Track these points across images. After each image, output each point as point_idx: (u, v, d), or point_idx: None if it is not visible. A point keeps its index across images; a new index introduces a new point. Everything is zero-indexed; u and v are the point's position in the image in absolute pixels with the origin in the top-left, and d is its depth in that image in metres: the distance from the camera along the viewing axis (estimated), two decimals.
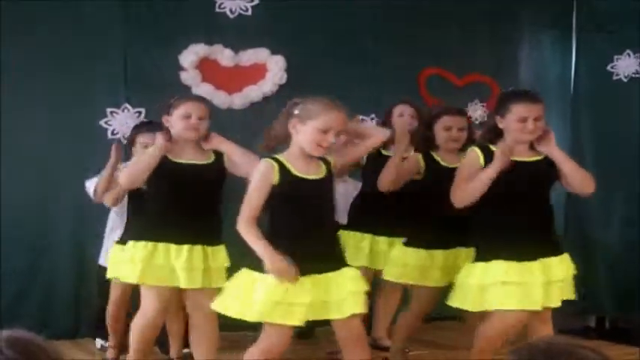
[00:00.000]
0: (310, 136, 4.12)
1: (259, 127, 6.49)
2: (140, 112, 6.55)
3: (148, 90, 6.44)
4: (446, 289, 5.10)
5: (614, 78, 7.40)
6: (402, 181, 5.31)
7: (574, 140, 7.53)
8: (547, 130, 4.62)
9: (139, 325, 4.76)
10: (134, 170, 4.77)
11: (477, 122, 6.81)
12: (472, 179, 4.49)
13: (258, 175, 4.15)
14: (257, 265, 4.09)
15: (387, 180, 5.29)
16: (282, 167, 4.14)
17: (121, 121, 6.50)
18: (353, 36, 7.14)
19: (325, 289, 4.09)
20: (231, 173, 4.87)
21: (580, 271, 4.66)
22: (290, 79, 6.85)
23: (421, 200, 5.29)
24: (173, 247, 4.68)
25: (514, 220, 4.48)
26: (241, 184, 4.59)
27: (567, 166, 4.58)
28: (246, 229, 4.09)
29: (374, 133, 4.77)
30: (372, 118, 6.83)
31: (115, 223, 5.85)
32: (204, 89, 6.70)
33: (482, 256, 4.53)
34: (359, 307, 4.18)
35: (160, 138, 4.75)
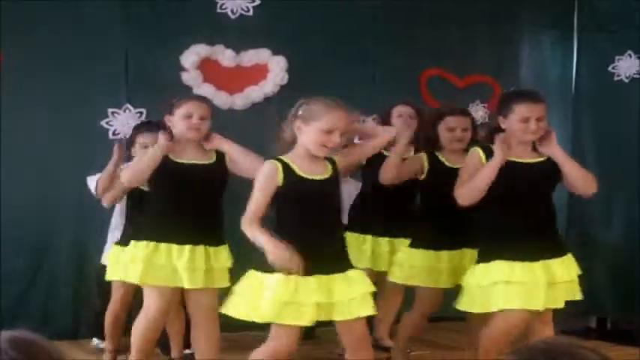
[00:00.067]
0: (314, 137, 4.12)
1: (261, 128, 6.56)
2: (141, 113, 6.55)
3: (149, 90, 6.44)
4: (448, 290, 5.11)
5: (616, 78, 7.40)
6: (403, 178, 5.30)
7: (575, 141, 7.53)
8: (548, 131, 4.62)
9: (141, 325, 4.75)
10: (136, 169, 4.77)
11: (477, 123, 6.79)
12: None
13: (262, 177, 4.15)
14: (261, 265, 4.09)
15: (387, 176, 5.27)
16: (287, 168, 4.14)
17: (122, 121, 6.50)
18: (354, 37, 7.15)
19: (331, 291, 4.08)
20: (233, 174, 4.87)
21: (581, 271, 4.65)
22: (291, 80, 6.85)
23: (425, 201, 5.30)
24: (175, 247, 4.67)
25: (516, 222, 4.48)
26: (243, 184, 4.60)
27: (569, 166, 4.58)
28: (250, 227, 4.09)
29: (380, 133, 4.77)
30: (374, 119, 6.82)
31: (118, 222, 5.86)
32: (205, 90, 6.70)
33: (483, 257, 4.53)
34: (367, 309, 4.18)
35: (162, 137, 4.75)
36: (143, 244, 4.70)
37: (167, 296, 4.74)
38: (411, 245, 5.26)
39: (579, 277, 4.61)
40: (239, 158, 4.77)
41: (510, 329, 4.43)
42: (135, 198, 5.51)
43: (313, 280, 4.04)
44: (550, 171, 4.57)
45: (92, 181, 5.79)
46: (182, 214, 4.71)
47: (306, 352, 5.92)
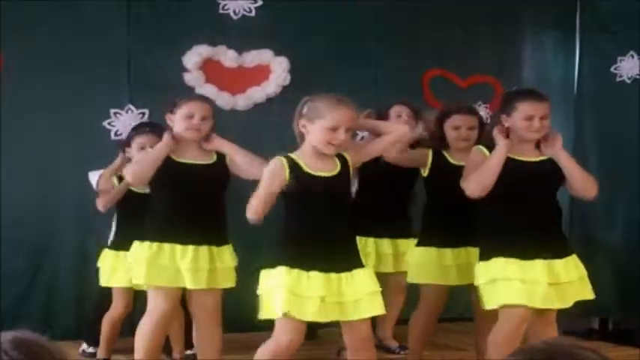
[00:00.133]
0: (320, 135, 4.12)
1: (263, 129, 6.58)
2: (144, 113, 6.56)
3: (151, 91, 6.45)
4: (456, 289, 5.11)
5: (618, 79, 7.41)
6: (403, 163, 5.26)
7: (577, 141, 7.53)
8: (554, 133, 4.61)
9: (147, 327, 4.71)
10: (141, 167, 4.72)
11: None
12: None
13: (268, 173, 4.17)
14: (268, 263, 4.10)
15: (392, 155, 5.13)
16: (294, 164, 4.14)
17: (124, 122, 6.50)
18: (356, 37, 7.15)
19: (340, 290, 4.08)
20: (233, 174, 4.86)
21: (585, 270, 4.64)
22: (293, 81, 6.85)
23: (430, 199, 5.28)
24: (178, 247, 4.66)
25: (519, 220, 4.46)
26: (245, 184, 4.61)
27: (572, 170, 4.56)
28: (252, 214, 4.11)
29: (393, 129, 4.70)
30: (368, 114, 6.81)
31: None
32: (207, 90, 6.69)
33: (484, 256, 4.52)
34: (376, 308, 4.18)
35: (167, 136, 4.73)
36: (146, 245, 4.68)
37: (173, 297, 4.73)
38: (417, 244, 5.25)
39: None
40: (239, 159, 4.75)
41: (514, 330, 4.40)
42: (124, 203, 5.58)
43: (320, 276, 4.03)
44: (553, 170, 4.55)
45: (94, 176, 5.80)
46: (185, 214, 4.70)
47: (306, 352, 5.92)
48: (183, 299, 4.88)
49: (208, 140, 4.81)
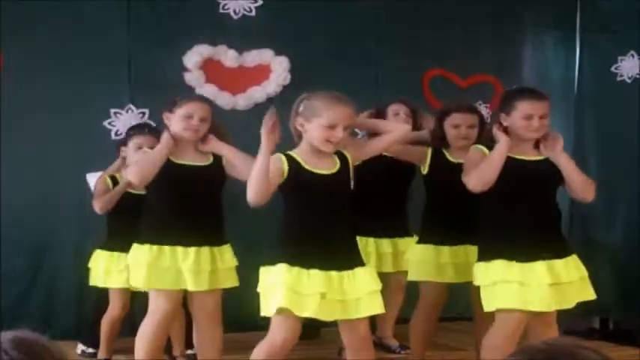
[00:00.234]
0: (318, 133, 4.11)
1: None
2: (144, 113, 6.56)
3: (151, 91, 6.45)
4: (455, 288, 5.10)
5: (618, 79, 7.40)
6: (401, 156, 5.24)
7: (578, 141, 7.53)
8: (555, 135, 4.60)
9: (148, 328, 4.68)
10: (144, 167, 4.65)
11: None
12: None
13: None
14: (267, 260, 4.10)
15: (393, 147, 5.12)
16: (293, 161, 4.13)
17: (124, 121, 6.50)
18: (356, 37, 7.15)
19: (341, 288, 4.07)
20: (230, 177, 4.85)
21: (585, 271, 4.64)
22: (294, 80, 6.86)
23: (429, 197, 5.27)
24: (179, 249, 4.64)
25: (518, 220, 4.44)
26: (243, 187, 4.62)
27: (572, 173, 4.54)
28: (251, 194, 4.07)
29: (393, 128, 4.66)
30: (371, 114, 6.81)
31: None
32: (208, 90, 6.70)
33: (484, 256, 4.51)
34: (376, 307, 4.18)
35: (167, 136, 4.71)
36: (146, 247, 4.64)
37: (174, 299, 4.71)
38: (417, 242, 5.25)
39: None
40: (237, 162, 4.71)
41: (510, 334, 4.38)
42: (116, 203, 5.62)
43: (320, 274, 4.02)
44: (553, 170, 4.54)
45: (92, 178, 5.81)
46: (184, 215, 4.68)
47: (307, 351, 5.92)
48: (184, 299, 4.88)
49: (205, 141, 4.79)
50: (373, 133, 4.82)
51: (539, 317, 4.44)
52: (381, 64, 7.18)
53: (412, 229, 5.75)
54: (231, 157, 4.74)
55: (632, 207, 7.30)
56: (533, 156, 4.55)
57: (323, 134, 4.11)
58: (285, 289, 3.99)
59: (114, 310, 5.68)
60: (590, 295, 4.53)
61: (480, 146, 4.60)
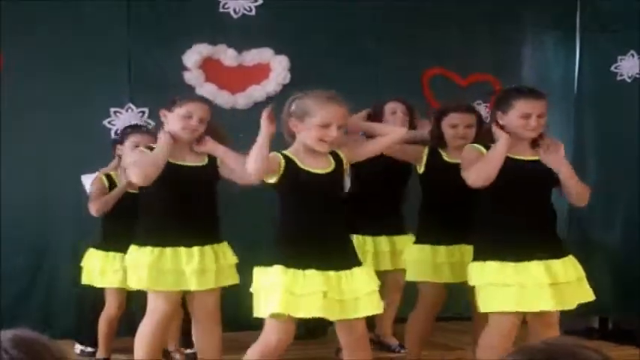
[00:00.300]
0: (311, 133, 4.10)
1: None
2: (143, 112, 6.56)
3: (151, 90, 6.44)
4: (453, 288, 5.10)
5: (618, 78, 7.39)
6: (397, 155, 5.22)
7: (577, 141, 7.53)
8: (556, 143, 4.59)
9: (147, 329, 4.69)
10: (147, 167, 4.60)
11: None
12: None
13: None
14: (262, 261, 4.09)
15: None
16: (289, 160, 4.12)
17: (124, 121, 6.49)
18: (356, 36, 7.15)
19: (340, 288, 4.06)
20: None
21: (583, 272, 4.64)
22: (293, 79, 6.85)
23: (425, 196, 5.28)
24: (183, 250, 4.64)
25: (513, 219, 4.43)
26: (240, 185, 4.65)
27: (571, 182, 4.53)
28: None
29: (389, 131, 4.64)
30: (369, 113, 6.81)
31: None
32: (207, 89, 6.71)
33: (479, 255, 4.49)
34: (374, 307, 4.18)
35: (167, 135, 4.69)
36: (147, 250, 4.64)
37: (173, 299, 4.72)
38: (415, 242, 5.25)
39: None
40: (233, 164, 4.69)
41: (505, 335, 4.37)
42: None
43: (317, 274, 4.01)
44: (549, 170, 4.53)
45: (88, 179, 5.82)
46: (185, 216, 4.68)
47: (305, 351, 5.92)
48: (182, 299, 4.88)
49: (201, 143, 4.78)
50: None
51: (541, 318, 4.43)
52: (381, 63, 7.17)
53: (409, 228, 5.76)
54: (227, 159, 4.73)
55: (631, 207, 7.29)
56: (529, 155, 4.54)
57: (317, 134, 4.09)
58: (281, 293, 3.98)
59: (110, 309, 5.69)
60: (589, 296, 4.53)
61: (477, 145, 4.58)
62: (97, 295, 5.84)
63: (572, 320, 5.95)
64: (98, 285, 5.70)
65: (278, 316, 4.02)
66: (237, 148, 4.74)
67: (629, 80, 7.38)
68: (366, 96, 6.58)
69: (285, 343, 4.12)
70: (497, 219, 4.48)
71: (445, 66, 7.39)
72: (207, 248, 4.70)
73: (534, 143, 4.56)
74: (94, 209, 5.67)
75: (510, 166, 4.42)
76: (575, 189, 4.55)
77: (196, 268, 4.63)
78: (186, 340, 5.64)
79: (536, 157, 4.54)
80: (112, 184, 5.71)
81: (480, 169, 4.42)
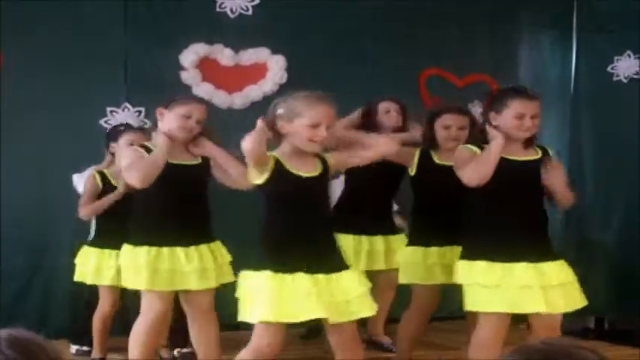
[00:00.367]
0: (301, 134, 4.06)
1: None
2: (140, 112, 6.57)
3: (148, 89, 6.44)
4: (446, 288, 5.10)
5: (614, 79, 7.40)
6: (390, 155, 5.21)
7: (574, 141, 7.53)
8: (557, 165, 4.61)
9: (142, 328, 4.68)
10: (147, 168, 4.54)
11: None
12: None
13: None
14: (250, 264, 4.09)
15: None
16: (277, 160, 4.08)
17: (121, 120, 6.50)
18: (353, 36, 7.15)
19: (330, 291, 4.03)
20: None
21: (579, 272, 4.64)
22: (290, 79, 6.86)
23: (416, 198, 5.28)
24: (180, 250, 4.65)
25: (504, 220, 4.42)
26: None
27: (564, 194, 4.60)
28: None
29: (375, 144, 4.46)
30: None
31: None
32: (204, 89, 6.71)
33: (467, 254, 4.48)
34: (367, 310, 4.16)
35: (165, 136, 4.68)
36: (144, 249, 4.63)
37: (168, 299, 4.72)
38: (407, 244, 5.25)
39: (577, 279, 4.56)
40: (230, 169, 4.68)
41: (495, 331, 4.37)
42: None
43: (306, 277, 3.98)
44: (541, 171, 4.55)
45: (80, 179, 5.83)
46: (181, 215, 4.67)
47: (304, 351, 5.92)
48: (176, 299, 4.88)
49: (199, 145, 4.78)
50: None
51: (542, 321, 4.40)
52: (378, 63, 7.17)
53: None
54: (224, 161, 4.71)
55: (628, 207, 7.30)
56: (522, 156, 4.53)
57: (307, 134, 4.06)
58: (270, 300, 3.95)
59: (104, 307, 5.69)
60: (580, 302, 4.49)
61: (469, 145, 4.58)
62: (91, 293, 5.84)
63: (568, 320, 5.95)
64: (89, 282, 5.70)
65: (267, 321, 4.00)
66: (232, 147, 4.73)
67: (625, 81, 7.38)
68: (363, 96, 6.59)
69: (278, 347, 4.07)
70: (488, 219, 4.47)
71: (442, 66, 7.39)
72: (204, 247, 4.71)
73: (527, 144, 4.56)
74: (83, 213, 5.69)
75: (503, 166, 4.41)
76: (564, 199, 4.64)
77: (196, 267, 4.63)
78: (175, 339, 5.66)
79: (528, 158, 4.54)
80: (106, 183, 5.70)
81: (475, 168, 4.41)
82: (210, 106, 6.17)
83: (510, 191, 4.45)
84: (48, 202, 6.55)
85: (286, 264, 4.00)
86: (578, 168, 7.43)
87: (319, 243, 4.12)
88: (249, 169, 4.15)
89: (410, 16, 7.25)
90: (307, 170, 4.13)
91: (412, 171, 5.21)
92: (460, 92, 7.30)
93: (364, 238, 5.77)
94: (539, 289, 4.34)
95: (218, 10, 6.86)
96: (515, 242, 4.36)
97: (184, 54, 6.75)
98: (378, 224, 5.82)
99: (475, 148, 4.50)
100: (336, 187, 6.01)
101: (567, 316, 4.54)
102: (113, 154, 5.70)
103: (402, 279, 5.23)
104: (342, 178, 5.92)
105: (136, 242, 4.68)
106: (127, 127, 5.80)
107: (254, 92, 6.91)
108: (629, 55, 7.36)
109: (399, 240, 5.63)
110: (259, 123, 4.06)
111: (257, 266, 4.04)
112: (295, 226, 4.09)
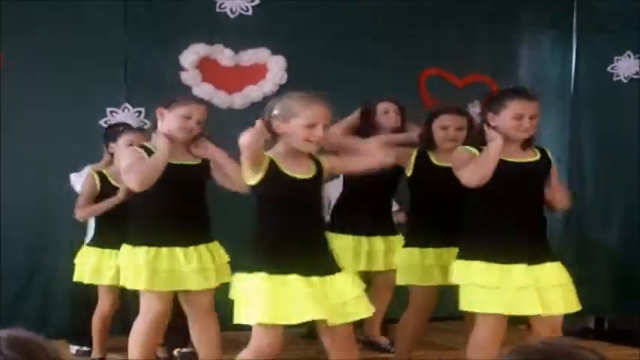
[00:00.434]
0: (297, 134, 4.04)
1: None
2: (140, 112, 6.57)
3: (148, 90, 6.44)
4: (442, 290, 5.10)
5: (614, 79, 7.39)
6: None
7: (574, 141, 7.53)
8: (559, 186, 4.65)
9: (141, 328, 4.68)
10: (147, 171, 4.52)
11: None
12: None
13: None
14: (245, 266, 4.09)
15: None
16: (272, 161, 4.06)
17: (120, 120, 6.49)
18: (353, 36, 7.15)
19: (324, 293, 4.02)
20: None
21: (579, 271, 4.64)
22: (290, 79, 6.86)
23: (413, 199, 5.27)
24: (180, 250, 4.65)
25: (502, 221, 4.41)
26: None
27: (561, 201, 4.64)
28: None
29: (369, 153, 4.42)
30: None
31: None
32: (204, 89, 6.72)
33: (464, 254, 4.48)
34: (364, 311, 4.16)
35: (166, 139, 4.67)
36: (143, 250, 4.63)
37: (167, 299, 4.71)
38: (403, 245, 5.24)
39: (577, 279, 4.57)
40: (231, 172, 4.63)
41: (493, 332, 4.37)
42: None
43: (300, 279, 3.97)
44: (540, 172, 4.53)
45: (77, 178, 5.83)
46: (180, 215, 4.67)
47: (305, 351, 5.92)
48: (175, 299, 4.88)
49: (199, 146, 4.78)
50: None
51: (542, 323, 4.40)
52: (378, 63, 7.17)
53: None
54: (225, 164, 4.69)
55: (628, 206, 7.30)
56: (521, 158, 4.52)
57: (303, 134, 4.05)
58: (266, 302, 3.95)
59: (103, 306, 5.70)
60: (575, 305, 4.49)
61: (468, 147, 4.57)
62: (90, 293, 5.84)
63: (568, 320, 5.95)
64: (87, 282, 5.69)
65: (264, 323, 4.00)
66: (233, 146, 4.73)
67: (625, 81, 7.38)
68: (363, 96, 6.59)
69: (278, 347, 4.06)
70: (486, 220, 4.47)
71: (442, 66, 7.40)
72: (202, 247, 4.71)
73: (526, 145, 4.55)
74: (79, 214, 5.70)
75: (502, 167, 4.39)
76: (561, 205, 4.68)
77: (196, 267, 4.64)
78: (173, 338, 5.66)
79: (527, 160, 4.53)
80: (104, 183, 5.70)
81: (474, 169, 4.40)
82: (210, 106, 6.17)
83: (509, 193, 4.44)
84: (48, 202, 6.55)
85: (281, 266, 3.98)
86: (578, 168, 7.44)
87: (313, 245, 4.11)
88: (243, 169, 4.12)
89: (410, 16, 7.25)
90: (302, 172, 4.12)
91: (409, 172, 5.18)
92: (460, 92, 7.30)
93: (363, 239, 5.78)
94: (535, 290, 4.34)
95: (218, 10, 6.86)
96: (513, 244, 4.36)
97: (184, 54, 6.75)
98: (377, 224, 5.82)
99: (474, 150, 4.49)
100: (335, 188, 6.02)
101: (567, 316, 4.53)
102: (112, 154, 5.70)
103: (400, 280, 5.22)
104: (340, 178, 5.93)
105: (135, 242, 4.69)
106: (126, 127, 5.79)
107: (254, 93, 6.92)
108: (629, 55, 7.36)
109: (399, 240, 5.62)
110: (258, 123, 4.05)
111: (251, 268, 4.02)
112: (290, 228, 4.07)
